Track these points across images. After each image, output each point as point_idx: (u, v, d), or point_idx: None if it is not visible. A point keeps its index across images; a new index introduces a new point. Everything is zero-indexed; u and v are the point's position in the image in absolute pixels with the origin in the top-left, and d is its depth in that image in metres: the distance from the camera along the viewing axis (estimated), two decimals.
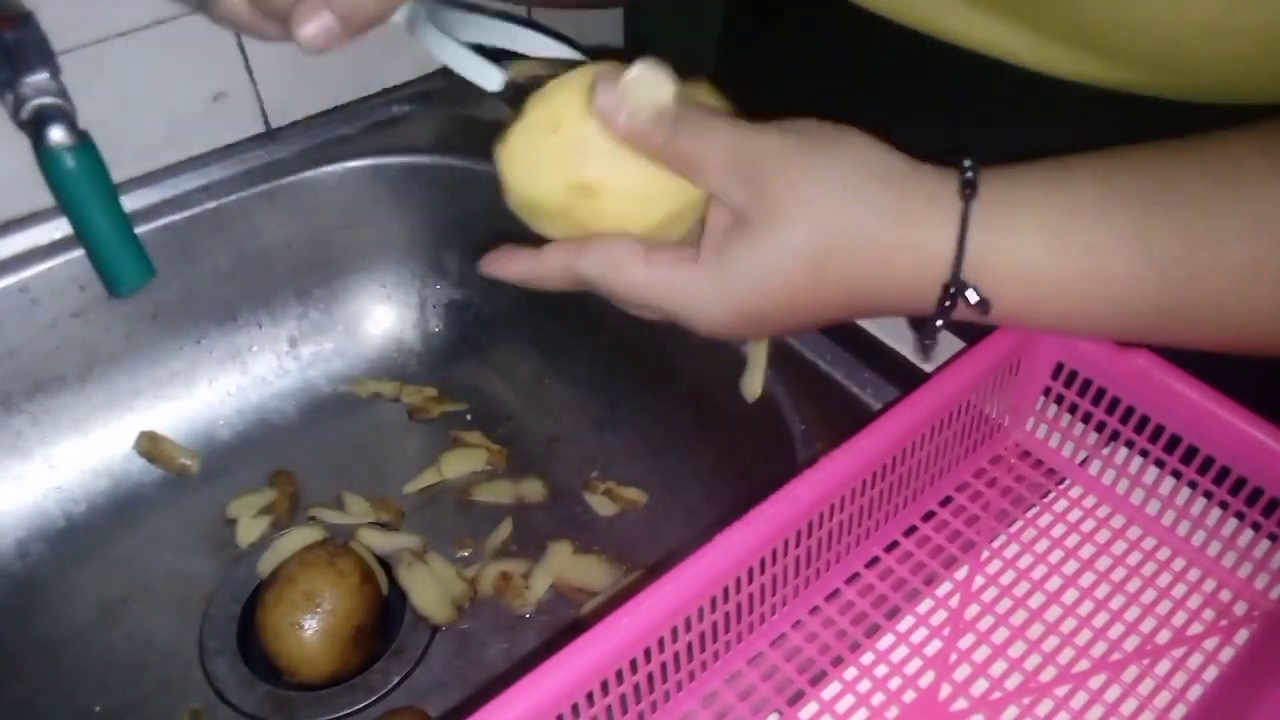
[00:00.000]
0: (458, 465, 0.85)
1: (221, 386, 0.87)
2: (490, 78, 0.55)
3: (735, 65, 0.53)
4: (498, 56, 0.55)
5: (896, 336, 0.68)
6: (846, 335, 0.68)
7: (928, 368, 0.65)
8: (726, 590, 0.47)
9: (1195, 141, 0.51)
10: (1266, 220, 0.48)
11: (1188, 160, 0.50)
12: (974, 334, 0.55)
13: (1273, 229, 0.48)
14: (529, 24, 0.59)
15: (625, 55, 0.52)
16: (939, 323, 0.49)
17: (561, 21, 0.92)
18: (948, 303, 0.48)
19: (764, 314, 0.50)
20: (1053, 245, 0.48)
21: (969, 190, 0.48)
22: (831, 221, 0.48)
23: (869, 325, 0.69)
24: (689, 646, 0.47)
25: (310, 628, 0.70)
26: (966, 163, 0.48)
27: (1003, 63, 0.61)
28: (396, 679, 0.72)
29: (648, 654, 0.45)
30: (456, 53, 0.55)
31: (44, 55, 0.65)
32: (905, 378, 0.66)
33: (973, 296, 0.48)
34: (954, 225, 0.48)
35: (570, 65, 0.52)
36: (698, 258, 0.49)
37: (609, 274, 0.50)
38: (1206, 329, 0.50)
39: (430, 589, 0.76)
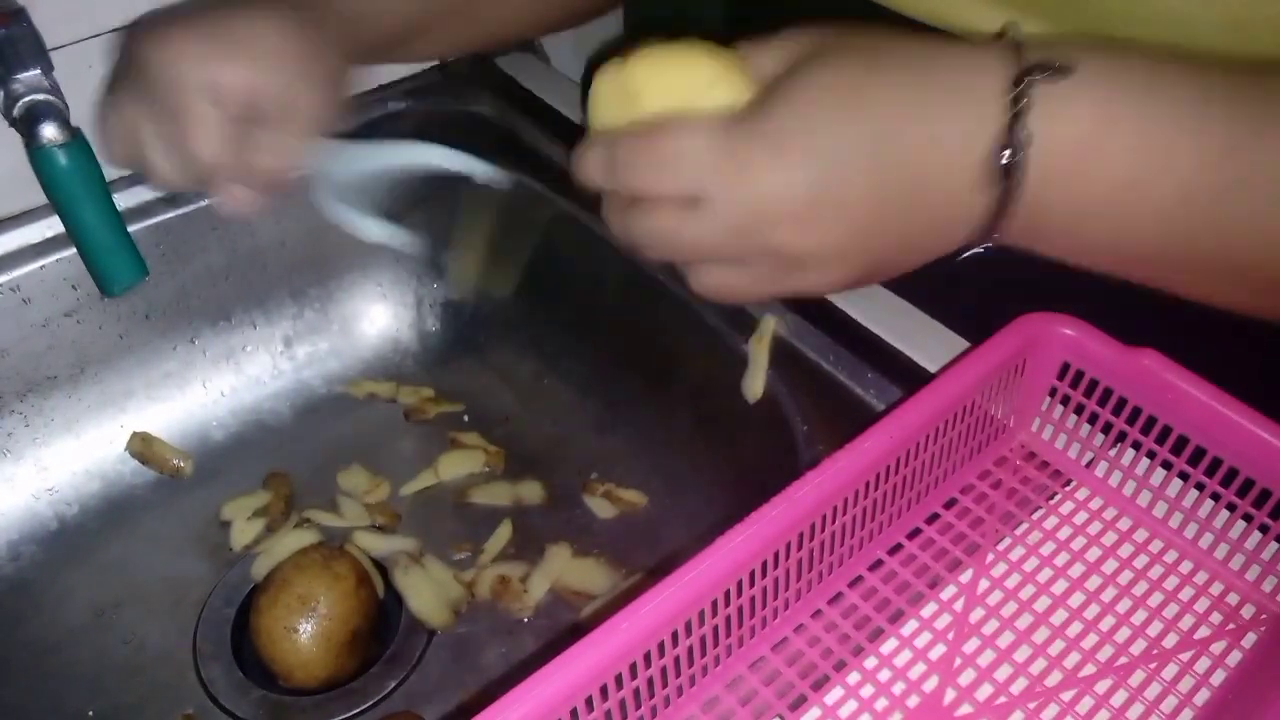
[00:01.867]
0: (455, 467, 0.84)
1: (215, 387, 0.86)
2: (382, 234, 0.62)
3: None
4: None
5: (900, 336, 0.67)
6: (850, 336, 0.68)
7: (932, 368, 0.65)
8: (728, 594, 0.46)
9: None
10: None
11: (1231, 69, 0.50)
12: (979, 334, 0.55)
13: None
14: (423, 139, 0.64)
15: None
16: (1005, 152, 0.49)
17: None
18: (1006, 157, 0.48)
19: (826, 135, 0.49)
20: (1100, 102, 0.49)
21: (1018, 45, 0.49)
22: (877, 41, 0.51)
23: (873, 324, 0.68)
24: (690, 651, 0.46)
25: (305, 632, 0.70)
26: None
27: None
28: (393, 684, 0.72)
29: (648, 658, 0.44)
30: (349, 216, 0.62)
31: (36, 51, 0.65)
32: (909, 379, 0.65)
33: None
34: (1004, 65, 0.49)
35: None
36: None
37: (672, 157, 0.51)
38: (1247, 226, 0.49)
39: (427, 592, 0.76)
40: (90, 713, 0.71)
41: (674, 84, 0.51)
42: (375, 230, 0.62)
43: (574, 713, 0.41)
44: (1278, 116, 0.48)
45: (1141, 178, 0.49)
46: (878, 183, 0.49)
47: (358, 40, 0.66)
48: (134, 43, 0.60)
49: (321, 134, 0.62)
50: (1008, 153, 0.48)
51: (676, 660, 0.46)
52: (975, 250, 0.53)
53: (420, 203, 0.61)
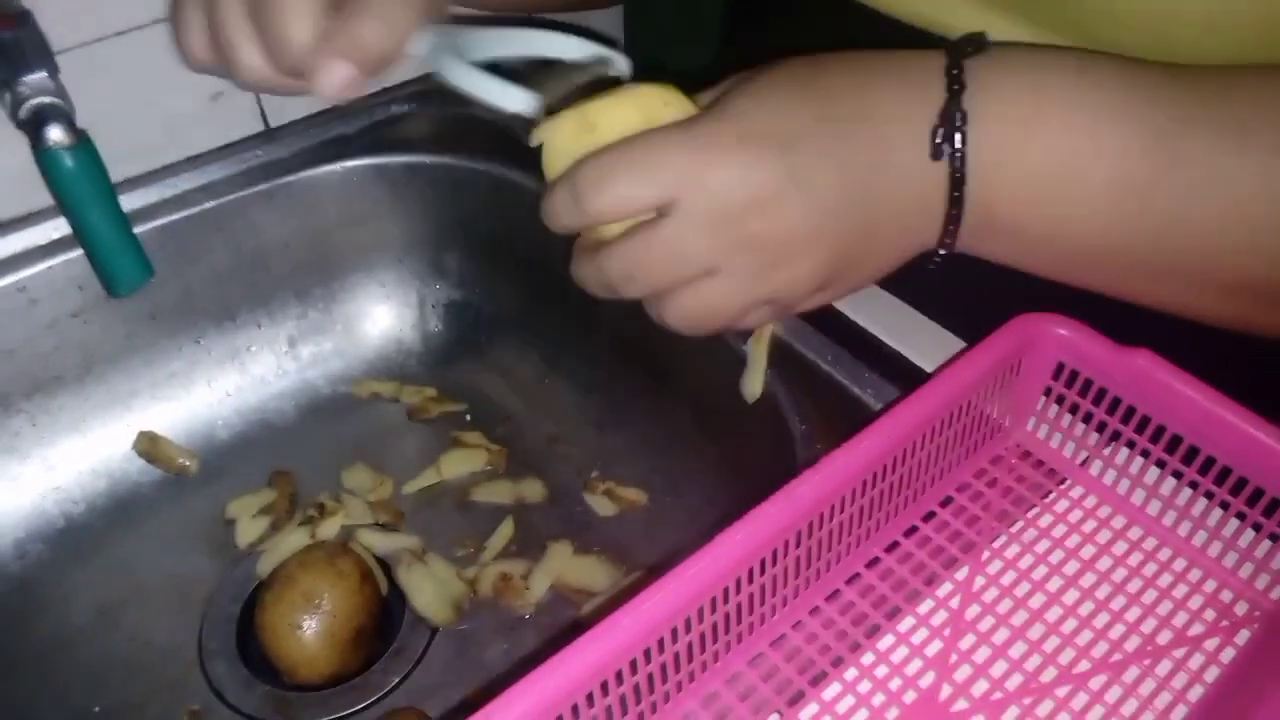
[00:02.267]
0: (457, 466, 0.85)
1: (220, 387, 0.87)
2: (520, 101, 0.54)
3: (736, 67, 0.54)
4: (523, 75, 0.55)
5: (898, 337, 0.68)
6: (848, 336, 0.68)
7: (929, 368, 0.65)
8: (726, 591, 0.47)
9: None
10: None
11: (1167, 67, 0.53)
12: (975, 334, 0.55)
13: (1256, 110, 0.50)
14: (551, 26, 0.59)
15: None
16: (939, 139, 0.51)
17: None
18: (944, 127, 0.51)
19: (784, 118, 0.51)
20: (1034, 90, 0.52)
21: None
22: (822, 57, 0.53)
23: (870, 324, 0.68)
24: (689, 647, 0.47)
25: (310, 629, 0.70)
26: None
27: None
28: (396, 680, 0.72)
29: (648, 655, 0.44)
30: (476, 79, 0.54)
31: (42, 54, 0.65)
32: (906, 378, 0.65)
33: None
34: (941, 65, 0.52)
35: (602, 70, 0.55)
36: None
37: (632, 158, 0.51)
38: (1179, 224, 0.51)
39: (429, 590, 0.76)
40: (96, 709, 0.71)
41: (629, 110, 0.52)
42: (501, 93, 0.54)
43: (575, 708, 0.42)
44: (1214, 114, 0.49)
45: (1075, 163, 0.51)
46: (839, 164, 0.51)
47: None
48: None
49: (431, 13, 0.56)
50: (941, 132, 0.51)
51: (676, 656, 0.46)
52: (937, 255, 0.54)
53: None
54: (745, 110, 0.51)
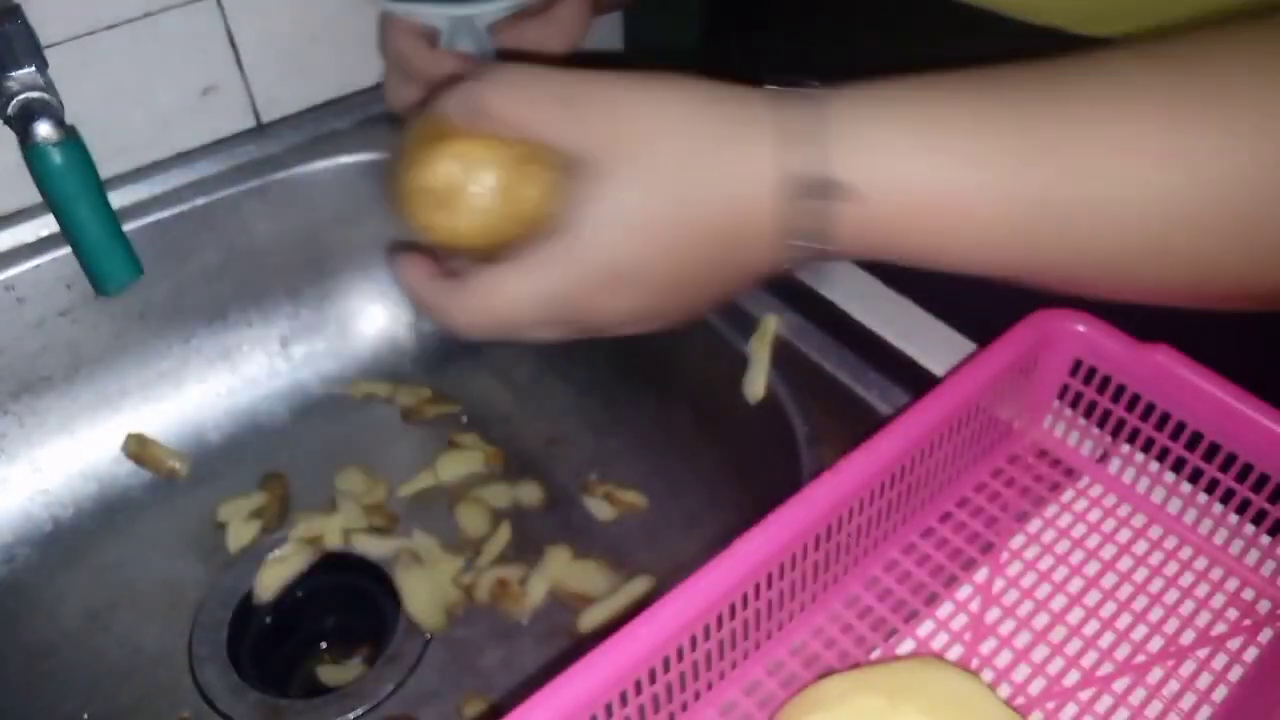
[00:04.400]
0: (453, 468, 0.84)
1: (211, 387, 0.86)
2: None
3: (721, 52, 0.53)
4: None
5: (903, 337, 0.67)
6: (851, 336, 0.68)
7: (933, 366, 0.65)
8: (745, 597, 0.46)
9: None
10: (1133, 100, 0.46)
11: (1048, 63, 0.48)
12: (979, 332, 0.55)
13: (1139, 106, 0.46)
14: None
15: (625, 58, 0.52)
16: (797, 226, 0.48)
17: None
18: (796, 194, 0.47)
19: (648, 268, 0.49)
20: (910, 130, 0.47)
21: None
22: (681, 148, 0.47)
23: (874, 325, 0.68)
24: (707, 655, 0.46)
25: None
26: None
27: (997, 16, 0.60)
28: (390, 687, 0.71)
29: (666, 663, 0.43)
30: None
31: (30, 49, 0.64)
32: (910, 378, 0.65)
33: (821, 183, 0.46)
34: (789, 114, 0.47)
35: None
36: (558, 234, 0.48)
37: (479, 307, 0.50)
38: (1095, 240, 0.47)
39: (424, 595, 0.75)
40: (85, 716, 0.70)
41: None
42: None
43: (593, 719, 0.41)
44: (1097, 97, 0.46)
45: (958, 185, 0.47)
46: (674, 254, 0.49)
47: None
48: None
49: None
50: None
51: (695, 665, 0.45)
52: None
53: None
54: (604, 234, 0.48)
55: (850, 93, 0.47)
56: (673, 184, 0.47)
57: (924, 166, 0.46)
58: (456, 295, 0.50)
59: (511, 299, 0.49)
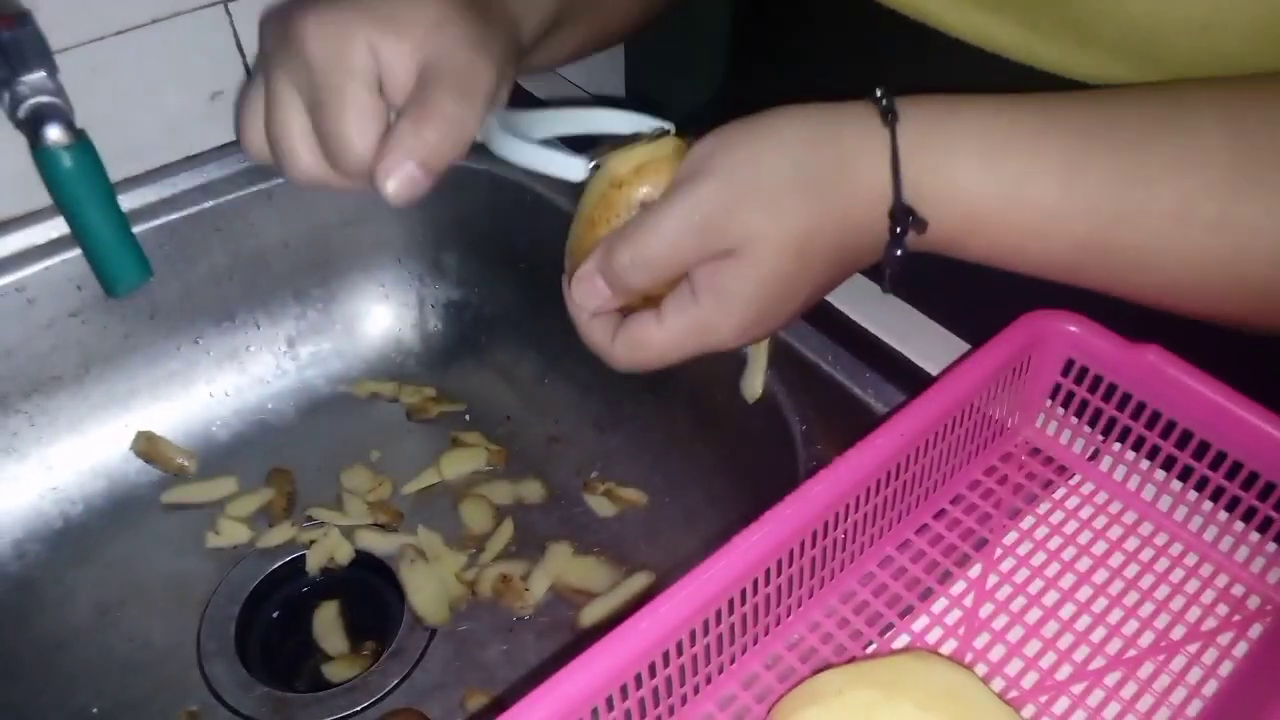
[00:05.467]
0: (457, 466, 0.84)
1: (219, 387, 0.86)
2: (574, 167, 0.55)
3: (740, 103, 0.54)
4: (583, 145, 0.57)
5: (898, 337, 0.68)
6: (848, 336, 0.68)
7: (929, 367, 0.65)
8: (744, 592, 0.46)
9: (1146, 86, 0.53)
10: (1199, 163, 0.50)
11: (1130, 101, 0.53)
12: (975, 332, 0.55)
13: (1204, 172, 0.50)
14: (602, 101, 0.61)
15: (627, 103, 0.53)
16: (897, 251, 0.53)
17: (565, 69, 0.92)
18: (898, 229, 0.52)
19: (772, 312, 0.53)
20: (985, 168, 0.52)
21: (890, 116, 0.52)
22: (798, 212, 0.51)
23: (870, 325, 0.69)
24: (706, 649, 0.46)
25: None
26: (878, 93, 0.52)
27: (998, 57, 0.61)
28: (395, 680, 0.72)
29: (666, 658, 0.44)
30: (535, 154, 0.56)
31: (41, 54, 0.65)
32: (907, 378, 0.66)
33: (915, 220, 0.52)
34: (887, 154, 0.52)
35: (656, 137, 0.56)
36: (697, 299, 0.52)
37: (635, 354, 0.55)
38: (1136, 274, 0.53)
39: (429, 590, 0.76)
40: (94, 710, 0.71)
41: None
42: (555, 163, 0.55)
43: (594, 712, 0.42)
44: (1158, 153, 0.51)
45: (1017, 226, 0.54)
46: (801, 292, 0.54)
47: (517, 29, 0.62)
48: (290, 21, 0.54)
49: (493, 107, 0.57)
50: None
51: (694, 659, 0.46)
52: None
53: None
54: (741, 298, 0.52)
55: (934, 108, 0.53)
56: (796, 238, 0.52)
57: (983, 186, 0.52)
58: (619, 338, 0.55)
59: (663, 351, 0.54)
